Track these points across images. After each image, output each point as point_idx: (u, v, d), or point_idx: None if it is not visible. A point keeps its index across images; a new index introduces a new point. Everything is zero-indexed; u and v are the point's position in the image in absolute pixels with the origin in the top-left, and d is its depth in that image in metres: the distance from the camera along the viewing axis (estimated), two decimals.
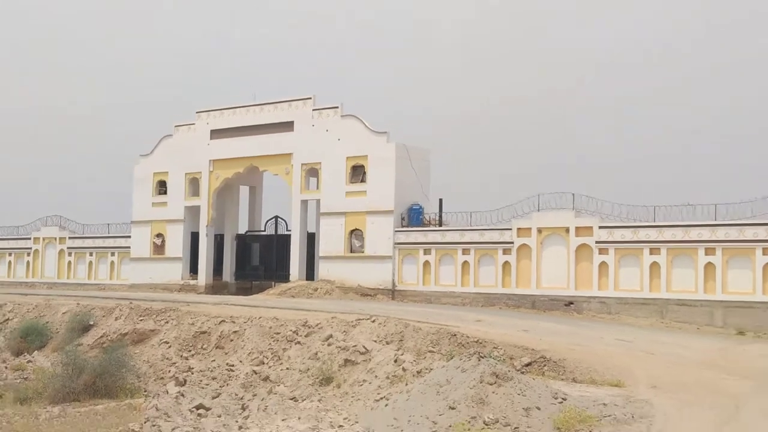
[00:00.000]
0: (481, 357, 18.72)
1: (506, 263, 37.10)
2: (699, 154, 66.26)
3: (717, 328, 30.90)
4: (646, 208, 34.60)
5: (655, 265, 33.40)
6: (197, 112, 47.82)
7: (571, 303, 34.91)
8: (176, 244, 47.97)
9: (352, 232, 41.78)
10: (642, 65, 78.50)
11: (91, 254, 52.54)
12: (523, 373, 20.00)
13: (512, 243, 36.95)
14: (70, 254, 53.53)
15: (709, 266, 32.21)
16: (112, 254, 51.46)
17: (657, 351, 24.39)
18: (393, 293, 39.61)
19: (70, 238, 53.83)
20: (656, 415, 16.14)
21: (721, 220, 32.37)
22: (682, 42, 77.23)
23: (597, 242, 34.83)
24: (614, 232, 34.62)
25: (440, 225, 40.44)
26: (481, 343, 23.79)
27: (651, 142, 71.25)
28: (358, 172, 41.73)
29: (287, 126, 43.77)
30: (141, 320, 31.82)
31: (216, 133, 46.58)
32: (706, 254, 32.32)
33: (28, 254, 55.45)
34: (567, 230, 35.64)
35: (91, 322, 33.13)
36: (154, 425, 17.90)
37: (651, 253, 33.53)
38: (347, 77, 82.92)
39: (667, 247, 33.21)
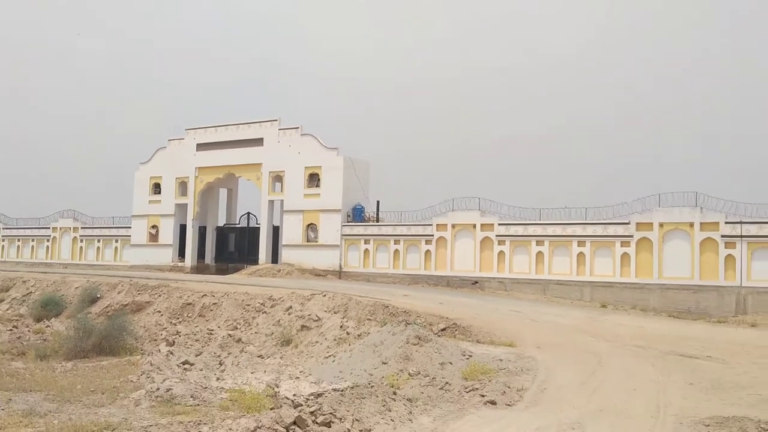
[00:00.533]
0: (407, 324, 18.93)
1: (428, 251, 37.40)
2: (582, 163, 66.02)
3: (586, 302, 31.58)
4: (534, 209, 35.35)
5: (540, 254, 34.03)
6: (186, 129, 47.43)
7: (477, 282, 35.35)
8: (167, 233, 47.43)
9: (308, 225, 41.78)
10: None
11: (98, 241, 51.58)
12: (439, 336, 20.25)
13: (432, 236, 37.28)
14: (81, 241, 52.48)
15: (581, 255, 32.94)
16: (116, 241, 50.64)
17: (540, 319, 24.86)
18: (340, 274, 39.67)
19: (81, 228, 52.80)
20: (539, 368, 16.54)
21: (590, 220, 33.23)
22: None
23: (497, 236, 35.31)
24: (510, 228, 35.17)
25: (377, 221, 40.66)
26: (407, 312, 24.00)
27: (540, 150, 70.31)
28: (313, 179, 41.81)
29: (258, 141, 43.74)
30: (139, 294, 31.49)
31: (201, 146, 46.17)
32: (578, 246, 33.05)
33: (48, 240, 54.24)
34: (474, 226, 36.09)
35: (98, 295, 32.76)
36: (148, 377, 17.74)
37: (537, 245, 34.16)
38: (311, 101, 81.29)
39: (549, 240, 33.87)
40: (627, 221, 32.11)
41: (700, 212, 30.54)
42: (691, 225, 30.58)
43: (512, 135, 67.86)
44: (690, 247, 30.52)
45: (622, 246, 32.03)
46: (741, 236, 29.47)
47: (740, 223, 29.61)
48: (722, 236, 29.85)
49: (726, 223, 29.87)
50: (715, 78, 66.05)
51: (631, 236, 31.84)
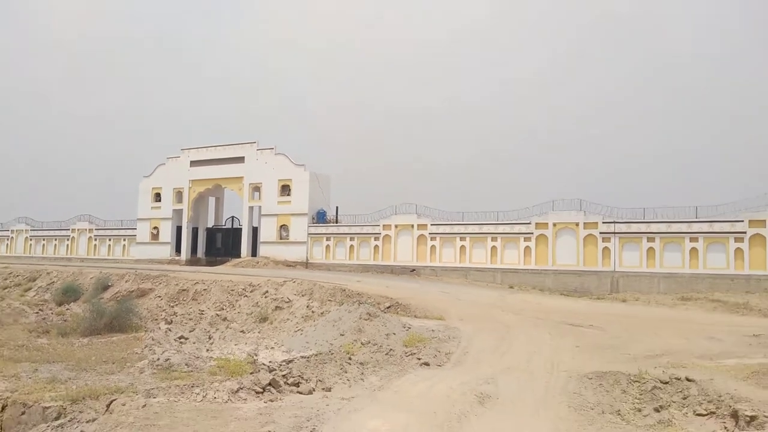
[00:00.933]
0: (360, 303, 18.94)
1: (376, 246, 37.41)
2: (495, 179, 66.09)
3: (498, 284, 32.04)
4: (458, 213, 35.76)
5: (462, 247, 34.42)
6: (182, 149, 46.50)
7: (414, 270, 35.51)
8: (166, 233, 46.35)
9: (281, 226, 41.34)
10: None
11: (109, 240, 50.02)
12: (385, 312, 20.16)
13: (380, 234, 37.31)
14: (95, 240, 50.79)
15: (494, 248, 33.43)
16: (124, 240, 49.17)
17: (463, 298, 25.08)
18: (307, 265, 39.34)
19: (96, 229, 51.12)
20: (462, 336, 16.66)
21: (500, 221, 33.77)
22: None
23: (430, 233, 35.57)
24: (440, 228, 35.48)
25: (337, 222, 40.51)
26: (360, 294, 23.90)
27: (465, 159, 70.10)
28: (285, 189, 41.42)
29: (240, 159, 43.14)
30: (142, 282, 30.66)
31: (194, 163, 45.33)
32: (491, 241, 33.54)
33: (68, 239, 52.31)
34: (412, 226, 36.26)
35: (109, 284, 31.77)
36: (150, 349, 17.30)
37: (460, 240, 34.53)
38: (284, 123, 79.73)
39: (469, 237, 34.28)
40: (529, 222, 32.73)
41: (584, 215, 31.35)
42: (577, 224, 31.36)
43: (445, 160, 67.64)
44: (576, 241, 31.29)
45: (525, 241, 32.66)
46: (614, 233, 30.35)
47: (614, 222, 30.50)
48: (600, 233, 30.70)
49: (603, 222, 30.73)
50: (597, 97, 66.20)
51: (532, 233, 32.47)
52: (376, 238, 37.49)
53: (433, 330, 17.51)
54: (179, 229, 46.03)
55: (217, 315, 24.31)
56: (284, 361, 13.17)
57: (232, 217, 45.56)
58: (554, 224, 31.95)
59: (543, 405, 9.79)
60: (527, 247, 32.52)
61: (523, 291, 29.87)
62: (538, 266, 32.00)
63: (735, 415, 8.87)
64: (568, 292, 29.69)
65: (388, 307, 22.04)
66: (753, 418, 8.58)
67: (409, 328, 17.33)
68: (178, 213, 46.08)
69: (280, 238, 41.19)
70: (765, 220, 27.41)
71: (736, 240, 27.86)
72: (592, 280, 30.37)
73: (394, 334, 16.43)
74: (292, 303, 23.28)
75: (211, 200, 47.98)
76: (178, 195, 46.16)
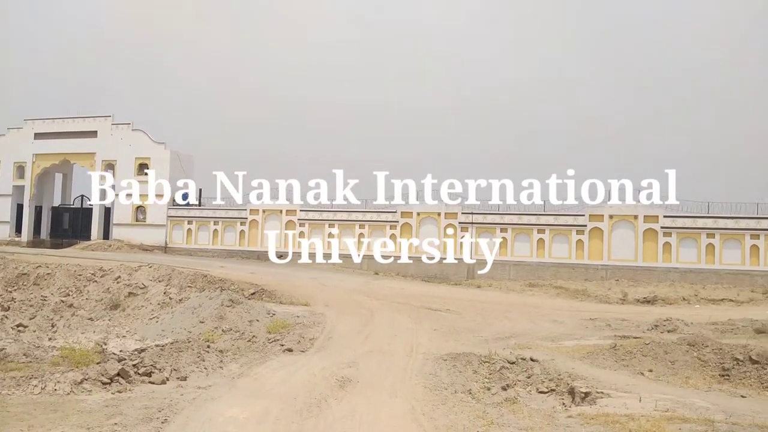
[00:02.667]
0: (222, 289, 18.31)
1: (242, 231, 36.40)
2: (364, 167, 66.42)
3: (364, 271, 32.53)
4: (329, 201, 35.77)
5: (331, 234, 34.51)
6: (25, 120, 41.95)
7: (281, 256, 35.02)
8: (5, 211, 41.69)
9: (138, 208, 38.85)
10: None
11: None
12: (249, 299, 19.78)
13: (246, 218, 36.34)
14: None
15: (362, 236, 33.91)
16: None
17: (329, 284, 25.19)
18: (165, 249, 37.32)
19: None
20: (327, 321, 16.72)
21: (369, 209, 34.28)
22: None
23: (299, 219, 35.26)
24: (309, 214, 35.28)
25: (200, 205, 38.79)
26: (223, 281, 23.19)
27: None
28: (143, 168, 38.94)
29: (92, 134, 39.91)
30: None
31: (39, 135, 41.09)
32: (359, 229, 33.99)
33: None
34: (281, 211, 35.72)
35: None
36: None
37: (329, 227, 34.62)
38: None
39: (338, 224, 34.47)
40: (395, 211, 33.54)
41: (445, 206, 32.71)
42: (439, 214, 32.67)
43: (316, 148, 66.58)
44: (437, 230, 32.58)
45: (391, 229, 33.44)
46: (472, 223, 32.00)
47: (472, 213, 32.15)
48: (459, 223, 32.23)
49: (462, 213, 32.28)
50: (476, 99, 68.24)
51: (397, 222, 33.32)
52: (242, 223, 36.44)
53: (298, 316, 17.40)
54: (20, 207, 41.64)
55: (62, 301, 22.19)
56: (136, 350, 12.35)
57: (82, 195, 41.94)
58: (418, 214, 33.03)
59: (401, 386, 10.04)
60: (393, 235, 33.33)
61: (387, 277, 30.57)
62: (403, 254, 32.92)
63: (572, 392, 9.68)
64: (429, 278, 30.87)
65: (253, 294, 21.58)
66: (587, 394, 9.41)
67: (274, 314, 17.05)
68: (19, 189, 41.66)
69: (137, 220, 38.69)
70: (603, 215, 30.30)
71: (578, 232, 30.56)
72: (450, 267, 31.81)
73: (258, 320, 16.06)
74: (147, 289, 21.90)
75: (59, 177, 43.86)
76: (20, 170, 41.69)
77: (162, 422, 8.01)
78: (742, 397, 9.65)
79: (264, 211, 35.99)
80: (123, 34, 76.24)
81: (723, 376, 10.83)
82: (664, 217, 29.57)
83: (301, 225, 35.19)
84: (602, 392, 9.35)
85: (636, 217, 29.93)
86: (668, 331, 15.47)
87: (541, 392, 10.01)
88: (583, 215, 30.62)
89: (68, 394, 9.13)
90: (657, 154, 52.18)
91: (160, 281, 23.02)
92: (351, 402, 9.03)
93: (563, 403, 9.35)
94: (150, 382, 10.02)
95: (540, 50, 62.68)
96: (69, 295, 22.99)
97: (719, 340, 12.96)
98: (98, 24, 77.11)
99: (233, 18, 77.24)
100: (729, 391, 10.05)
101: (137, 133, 39.20)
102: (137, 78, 78.33)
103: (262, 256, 35.16)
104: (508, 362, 11.24)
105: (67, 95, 70.29)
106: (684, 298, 24.36)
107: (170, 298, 20.30)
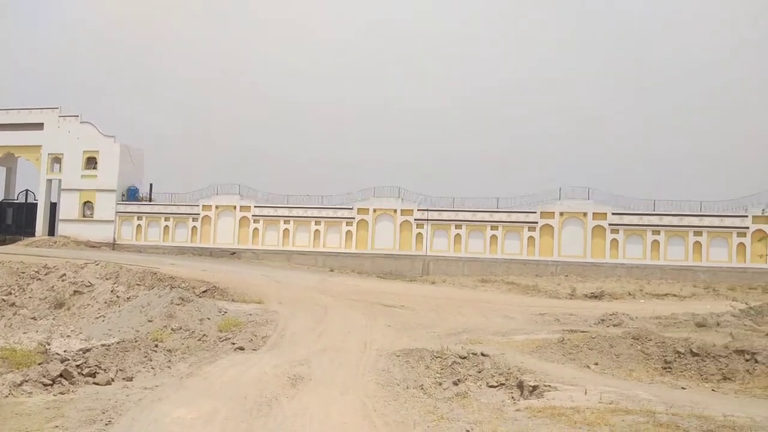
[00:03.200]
0: (172, 287, 17.91)
1: (194, 227, 35.66)
2: (312, 159, 65.46)
3: (319, 267, 32.38)
4: (283, 196, 35.43)
5: (286, 230, 34.18)
6: None
7: (235, 253, 34.48)
8: None
9: (85, 203, 37.53)
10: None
11: None
12: (200, 297, 19.37)
13: (199, 214, 35.62)
14: None
15: (317, 232, 33.70)
16: None
17: (283, 281, 24.98)
18: (114, 246, 36.17)
19: None
20: (280, 319, 16.50)
21: (324, 205, 34.14)
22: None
23: (253, 216, 34.78)
24: (264, 210, 34.84)
25: (150, 201, 37.79)
26: (173, 278, 22.67)
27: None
28: (91, 162, 37.60)
29: (38, 126, 38.16)
30: None
31: None
32: (315, 225, 33.79)
33: None
34: (235, 207, 35.16)
35: None
36: None
37: (284, 223, 34.28)
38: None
39: (293, 220, 34.17)
40: (351, 207, 33.48)
41: (401, 202, 32.88)
42: (395, 211, 32.78)
43: (271, 143, 65.20)
44: (393, 226, 32.70)
45: (346, 225, 33.37)
46: (428, 220, 32.23)
47: (427, 210, 32.40)
48: (415, 219, 32.43)
49: (418, 210, 32.49)
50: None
51: (353, 218, 33.27)
52: (194, 219, 35.69)
53: (250, 314, 17.12)
54: None
55: (3, 300, 21.25)
56: (81, 350, 11.95)
57: (27, 190, 40.18)
58: (374, 210, 33.06)
59: (353, 383, 10.01)
60: (348, 232, 33.25)
61: (342, 274, 30.51)
62: (358, 250, 32.90)
63: (521, 386, 9.84)
64: (384, 274, 30.97)
65: (204, 292, 21.16)
66: (535, 387, 9.59)
67: (226, 312, 16.74)
68: None
69: (84, 216, 37.40)
70: (554, 212, 30.96)
71: (530, 229, 31.14)
72: (406, 263, 31.98)
73: (209, 319, 15.74)
74: (94, 287, 21.16)
75: (2, 171, 41.97)
76: None
77: (106, 424, 7.76)
78: (683, 388, 9.99)
79: (217, 207, 35.35)
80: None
81: (665, 368, 11.20)
82: (612, 214, 30.43)
83: (255, 221, 34.71)
84: (550, 385, 9.53)
85: (585, 214, 30.70)
86: (614, 325, 15.92)
87: (491, 386, 10.14)
88: (535, 212, 31.23)
89: (6, 396, 8.75)
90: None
91: (107, 279, 22.33)
92: (302, 400, 8.94)
93: (512, 397, 9.50)
94: (94, 383, 9.70)
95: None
96: (11, 293, 22.01)
97: (662, 333, 13.41)
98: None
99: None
100: (671, 383, 10.39)
101: (86, 126, 37.82)
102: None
103: (214, 253, 34.53)
104: (460, 357, 11.35)
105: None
106: (630, 293, 25.13)
107: (118, 297, 19.69)
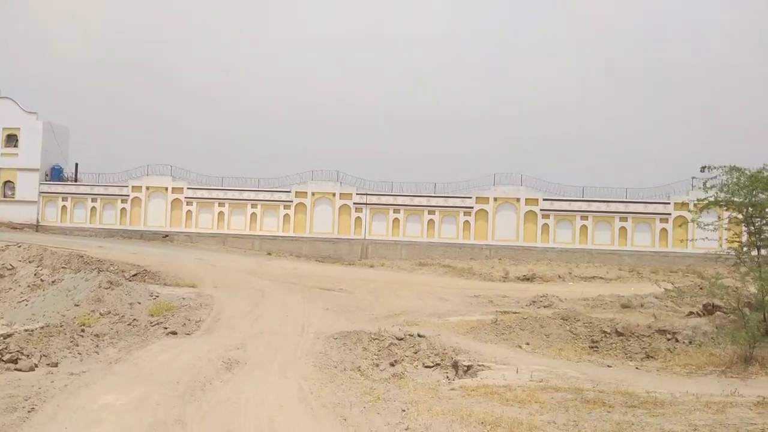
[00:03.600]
0: (100, 270, 17.17)
1: (123, 209, 34.26)
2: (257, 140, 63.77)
3: (256, 251, 31.83)
4: (218, 178, 34.54)
5: (221, 213, 33.37)
6: None
7: (167, 236, 33.39)
8: None
9: (5, 183, 35.32)
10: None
11: None
12: (131, 280, 18.73)
13: (128, 196, 34.24)
14: None
15: (253, 215, 33.09)
16: None
17: (219, 264, 24.42)
18: (37, 227, 34.30)
19: None
20: (215, 303, 16.21)
21: (261, 188, 33.56)
22: None
23: (186, 198, 33.74)
24: (197, 192, 33.84)
25: (76, 181, 35.99)
26: (101, 261, 21.81)
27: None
28: (12, 140, 35.36)
29: None
30: None
31: None
32: (251, 208, 33.14)
33: None
34: (167, 189, 34.00)
35: None
36: None
37: (219, 206, 33.43)
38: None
39: (228, 203, 33.36)
40: (289, 190, 33.05)
41: (340, 186, 32.72)
42: (334, 195, 32.60)
43: (210, 124, 63.06)
44: (332, 210, 32.53)
45: (284, 209, 32.92)
46: (366, 204, 32.26)
47: (366, 194, 32.39)
48: (354, 203, 32.37)
49: (357, 194, 32.44)
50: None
51: (291, 201, 32.87)
52: (123, 201, 34.29)
53: (183, 298, 16.71)
54: None
55: None
56: (1, 335, 11.29)
57: None
58: (313, 193, 32.76)
59: (290, 366, 9.95)
60: (286, 215, 32.84)
61: (280, 258, 30.14)
62: (296, 234, 32.58)
63: (455, 366, 10.07)
64: (323, 258, 30.81)
65: (135, 275, 20.48)
66: (469, 367, 9.82)
67: (157, 296, 16.24)
68: None
69: (4, 196, 35.23)
70: (488, 198, 31.61)
71: (465, 214, 31.71)
72: (344, 246, 31.93)
73: (139, 303, 15.24)
74: (16, 270, 20.09)
75: None
76: None
77: (29, 411, 7.42)
78: (609, 366, 10.49)
79: (148, 189, 34.08)
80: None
81: (592, 347, 11.71)
82: (543, 200, 31.38)
83: (188, 204, 33.71)
84: (483, 365, 9.78)
85: (518, 200, 31.52)
86: (544, 307, 16.50)
87: (427, 367, 10.32)
88: (471, 198, 31.80)
89: None
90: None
91: (30, 262, 21.26)
92: (237, 384, 8.81)
93: (447, 377, 9.70)
94: (16, 369, 9.23)
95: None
96: None
97: (589, 314, 14.00)
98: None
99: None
100: (597, 361, 10.88)
101: (5, 102, 35.40)
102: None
103: (145, 236, 33.33)
104: (397, 339, 11.48)
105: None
106: (559, 276, 26.06)
107: (42, 280, 18.78)
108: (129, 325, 13.54)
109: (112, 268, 20.39)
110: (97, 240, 30.54)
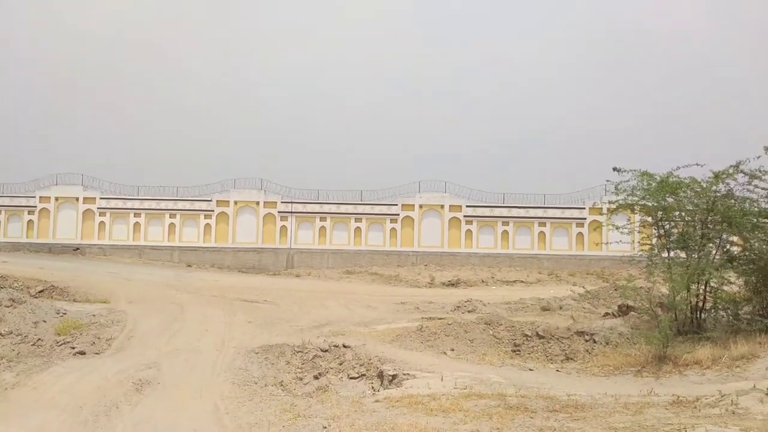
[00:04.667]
0: (1, 287, 15.82)
1: (30, 221, 32.06)
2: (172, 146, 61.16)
3: (175, 263, 30.60)
4: (133, 187, 32.96)
5: (137, 224, 31.89)
6: None
7: (78, 249, 31.51)
8: None
9: None
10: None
11: None
12: (36, 297, 17.40)
13: (36, 207, 32.07)
14: None
15: (172, 225, 31.82)
16: None
17: (134, 278, 23.25)
18: None
19: None
20: (128, 319, 15.25)
21: (180, 197, 32.25)
22: None
23: (98, 208, 32.01)
24: (111, 202, 32.18)
25: None
26: (4, 277, 20.18)
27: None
28: None
29: None
30: None
31: None
32: (170, 218, 31.84)
33: None
34: (77, 199, 32.12)
35: None
36: None
37: (135, 216, 31.97)
38: None
39: (145, 213, 31.93)
40: (210, 199, 31.99)
41: (264, 194, 31.99)
42: (258, 203, 31.82)
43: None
44: (256, 219, 31.74)
45: (205, 218, 31.83)
46: (292, 212, 31.67)
47: (292, 202, 31.82)
48: (279, 212, 31.72)
49: (282, 202, 31.81)
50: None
51: (213, 211, 31.81)
52: (30, 212, 32.08)
53: (94, 315, 15.59)
54: None
55: None
56: None
57: None
58: (236, 202, 31.86)
59: (207, 385, 9.41)
60: (207, 225, 31.75)
61: (201, 269, 29.10)
62: (218, 244, 31.55)
63: (381, 375, 9.84)
64: (247, 269, 30.00)
65: (41, 291, 19.05)
66: (394, 376, 9.61)
67: (65, 313, 15.10)
68: None
69: None
70: (414, 205, 31.81)
71: (392, 221, 31.76)
72: (269, 256, 31.19)
73: (45, 321, 14.10)
74: None
75: None
76: None
77: None
78: (531, 370, 10.57)
79: (57, 199, 32.05)
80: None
81: (514, 351, 11.81)
82: (467, 206, 31.92)
83: (101, 214, 31.94)
84: (408, 374, 9.61)
85: (443, 207, 31.91)
86: (468, 312, 16.62)
87: (352, 378, 10.04)
88: (397, 205, 31.90)
89: None
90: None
91: None
92: (148, 406, 8.21)
93: (372, 387, 9.46)
94: None
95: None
96: None
97: (511, 318, 14.19)
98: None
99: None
100: (519, 365, 10.96)
101: None
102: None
103: (54, 249, 31.30)
104: (321, 350, 11.13)
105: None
106: (483, 281, 26.53)
107: None
108: (33, 345, 12.49)
109: (15, 284, 18.94)
110: (2, 254, 28.34)
